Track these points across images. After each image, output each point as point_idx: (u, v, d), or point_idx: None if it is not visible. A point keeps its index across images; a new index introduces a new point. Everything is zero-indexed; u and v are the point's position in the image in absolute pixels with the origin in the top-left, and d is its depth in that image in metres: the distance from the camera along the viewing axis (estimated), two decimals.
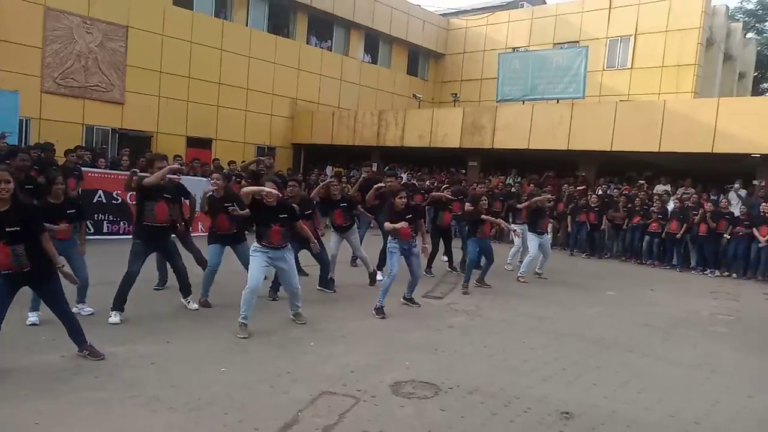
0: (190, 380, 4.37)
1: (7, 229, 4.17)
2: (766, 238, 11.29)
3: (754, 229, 11.49)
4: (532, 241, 9.80)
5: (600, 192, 14.30)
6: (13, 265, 4.24)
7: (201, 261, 6.81)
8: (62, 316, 4.58)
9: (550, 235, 12.35)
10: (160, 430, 3.60)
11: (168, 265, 6.68)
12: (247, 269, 6.25)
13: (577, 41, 21.94)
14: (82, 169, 10.78)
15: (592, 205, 13.46)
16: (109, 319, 5.70)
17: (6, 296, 4.32)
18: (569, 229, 13.95)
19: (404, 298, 7.29)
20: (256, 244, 5.84)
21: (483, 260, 8.66)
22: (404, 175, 18.06)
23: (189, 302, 6.44)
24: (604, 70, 21.92)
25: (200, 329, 5.75)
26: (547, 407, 4.31)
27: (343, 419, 3.90)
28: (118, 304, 5.78)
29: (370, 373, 4.78)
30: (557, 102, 17.36)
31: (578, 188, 14.60)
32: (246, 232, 6.89)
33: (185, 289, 6.41)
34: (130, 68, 16.94)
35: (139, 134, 17.21)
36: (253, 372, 4.65)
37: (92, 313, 5.83)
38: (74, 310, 5.75)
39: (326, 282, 7.83)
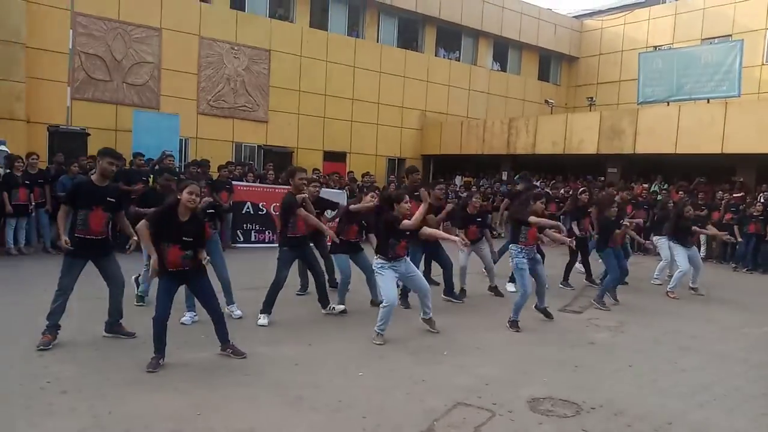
0: (331, 382, 4.56)
1: (183, 238, 4.70)
2: None
3: None
4: (680, 254, 8.99)
5: (762, 200, 12.80)
6: (179, 264, 4.75)
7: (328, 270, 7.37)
8: (212, 312, 4.98)
9: (703, 247, 11.32)
10: (303, 428, 3.79)
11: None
12: (367, 276, 6.79)
13: (730, 35, 19.99)
14: (233, 182, 11.74)
15: (756, 214, 12.09)
16: (258, 321, 6.11)
17: (172, 290, 4.83)
18: (738, 239, 12.41)
19: (536, 308, 7.01)
20: (379, 259, 5.88)
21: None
22: (537, 183, 17.51)
23: (332, 309, 6.68)
24: (763, 64, 19.75)
25: (338, 333, 5.98)
26: None
27: None
28: (267, 307, 6.19)
29: (506, 387, 4.66)
30: (707, 102, 15.91)
31: (735, 195, 13.22)
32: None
33: (324, 299, 6.65)
34: (273, 89, 18.22)
35: (282, 150, 18.40)
36: (390, 378, 4.74)
37: (241, 317, 6.27)
38: (225, 311, 6.25)
39: (452, 291, 7.75)
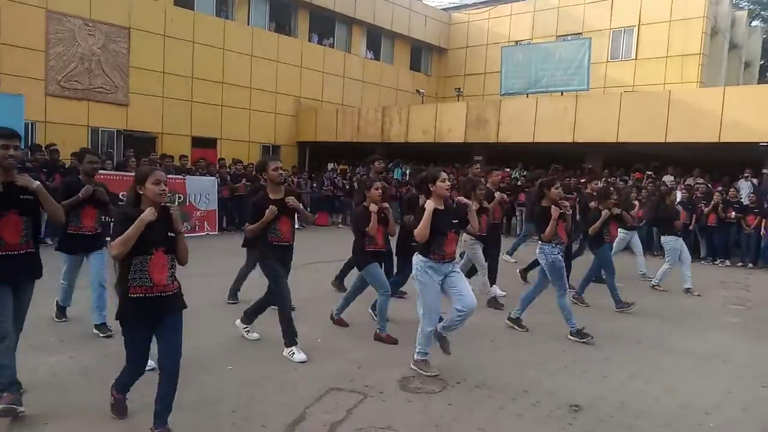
0: (197, 379, 4.36)
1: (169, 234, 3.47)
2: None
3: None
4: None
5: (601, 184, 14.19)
6: (164, 285, 3.48)
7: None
8: (172, 366, 3.68)
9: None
10: None
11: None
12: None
13: (580, 33, 21.84)
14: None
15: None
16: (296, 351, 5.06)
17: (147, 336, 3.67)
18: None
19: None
20: (420, 261, 4.70)
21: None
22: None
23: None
24: (608, 61, 21.81)
25: (207, 328, 5.72)
26: (556, 400, 4.28)
27: (350, 415, 3.88)
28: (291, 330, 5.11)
29: (377, 369, 4.76)
30: (561, 94, 17.26)
31: (581, 181, 14.51)
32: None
33: (253, 316, 5.61)
34: (134, 69, 16.97)
35: (144, 135, 17.25)
36: (261, 370, 4.65)
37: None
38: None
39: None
